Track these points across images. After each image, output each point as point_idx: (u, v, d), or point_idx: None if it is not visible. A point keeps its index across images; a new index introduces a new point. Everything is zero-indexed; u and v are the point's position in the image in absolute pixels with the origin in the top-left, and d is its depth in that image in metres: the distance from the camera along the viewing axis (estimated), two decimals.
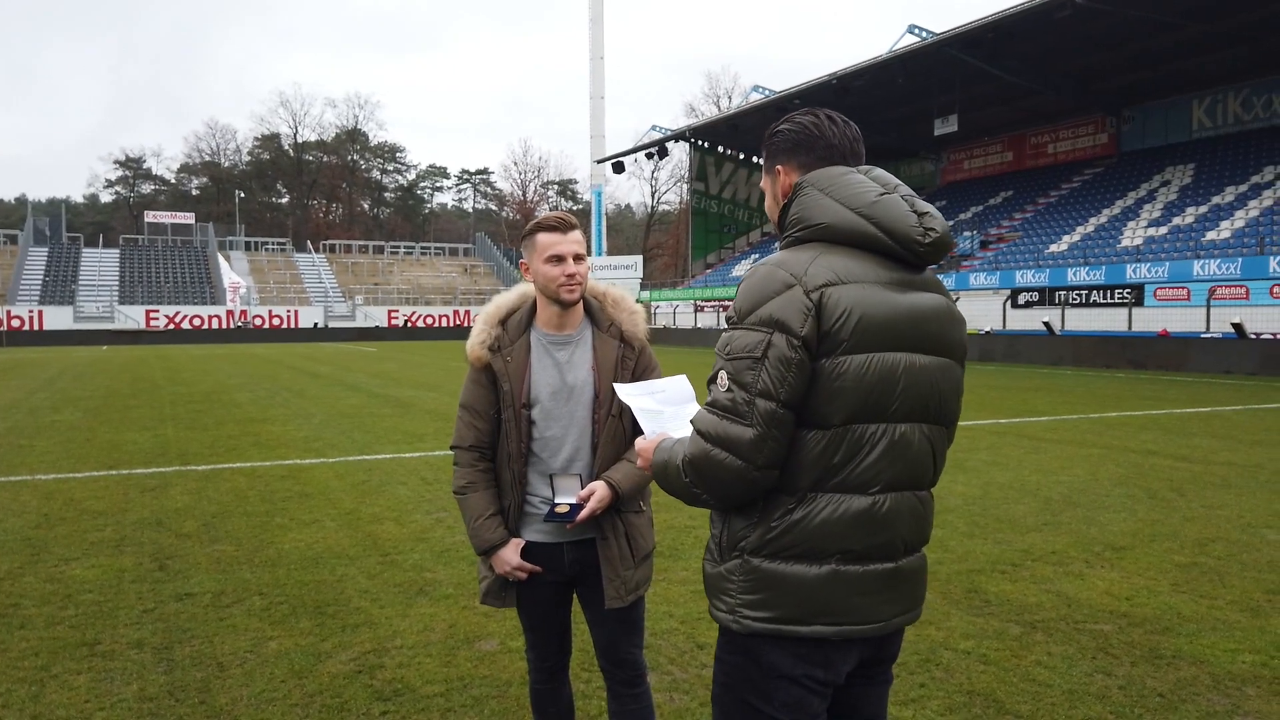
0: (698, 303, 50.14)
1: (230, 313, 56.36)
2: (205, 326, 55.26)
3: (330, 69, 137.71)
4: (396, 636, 4.20)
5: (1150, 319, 27.80)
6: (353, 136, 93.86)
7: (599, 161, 56.90)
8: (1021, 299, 31.91)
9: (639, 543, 2.53)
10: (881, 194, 1.73)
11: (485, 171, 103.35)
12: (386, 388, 18.36)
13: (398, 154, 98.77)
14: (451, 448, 2.59)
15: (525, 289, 2.60)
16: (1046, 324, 28.14)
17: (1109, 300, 29.42)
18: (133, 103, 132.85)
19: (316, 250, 73.04)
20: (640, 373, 2.51)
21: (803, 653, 1.70)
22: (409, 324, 60.57)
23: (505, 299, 2.58)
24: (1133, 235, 33.42)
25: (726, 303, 48.09)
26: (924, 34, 36.04)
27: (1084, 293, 30.22)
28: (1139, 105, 40.34)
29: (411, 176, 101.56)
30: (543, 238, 2.45)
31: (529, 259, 2.50)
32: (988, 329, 29.97)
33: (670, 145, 53.37)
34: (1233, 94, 37.43)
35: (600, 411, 2.47)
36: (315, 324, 57.93)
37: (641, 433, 2.04)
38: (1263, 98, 36.48)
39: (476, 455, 2.54)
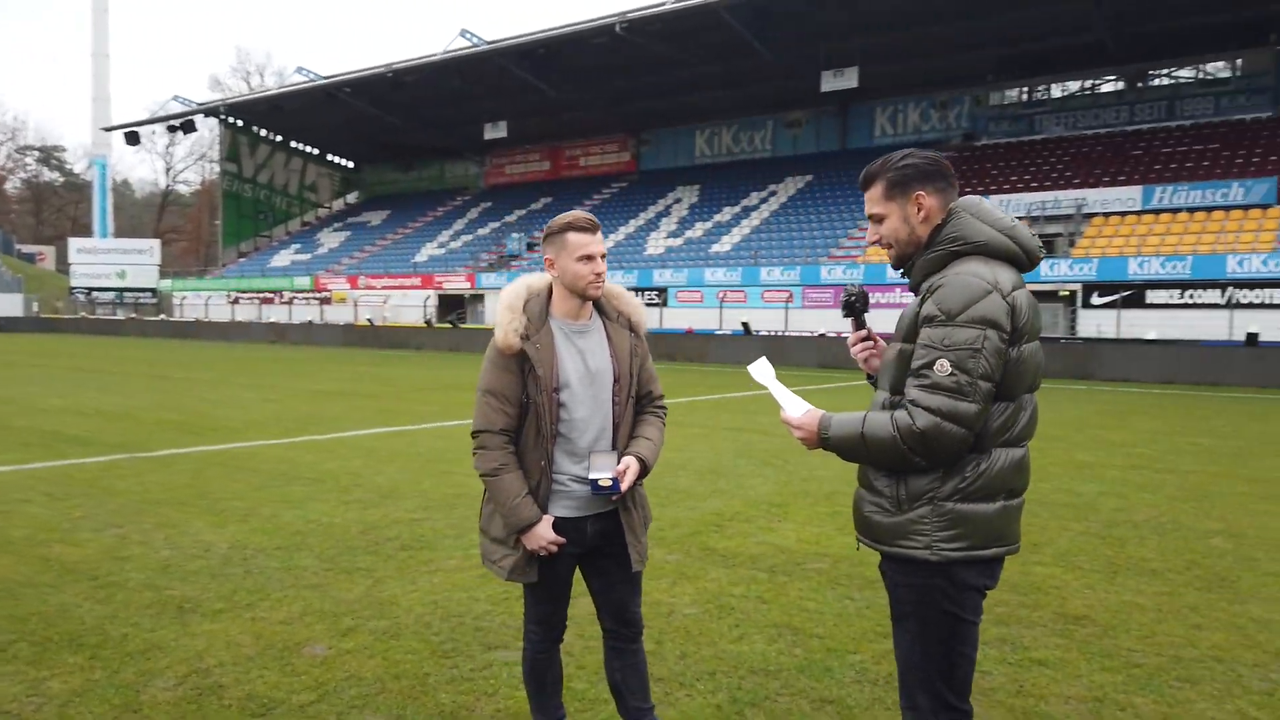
0: (234, 294, 46.31)
1: None
2: None
3: None
4: (208, 655, 3.80)
5: (677, 317, 32.33)
6: None
7: (107, 130, 49.68)
8: None
9: (646, 511, 2.85)
10: (1014, 220, 2.30)
11: None
12: None
13: None
14: (477, 432, 2.66)
15: (531, 281, 2.73)
16: None
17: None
18: None
19: None
20: (642, 357, 2.81)
21: (982, 569, 2.24)
22: None
23: (515, 291, 2.68)
24: (655, 244, 38.16)
25: (269, 295, 44.86)
26: (475, 40, 37.33)
27: None
28: (655, 130, 46.13)
29: None
30: (574, 237, 2.63)
31: (556, 256, 2.65)
32: None
33: (198, 120, 48.42)
34: (726, 128, 44.55)
35: (621, 395, 2.72)
36: None
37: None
38: (747, 134, 44.02)
39: (505, 439, 2.64)
